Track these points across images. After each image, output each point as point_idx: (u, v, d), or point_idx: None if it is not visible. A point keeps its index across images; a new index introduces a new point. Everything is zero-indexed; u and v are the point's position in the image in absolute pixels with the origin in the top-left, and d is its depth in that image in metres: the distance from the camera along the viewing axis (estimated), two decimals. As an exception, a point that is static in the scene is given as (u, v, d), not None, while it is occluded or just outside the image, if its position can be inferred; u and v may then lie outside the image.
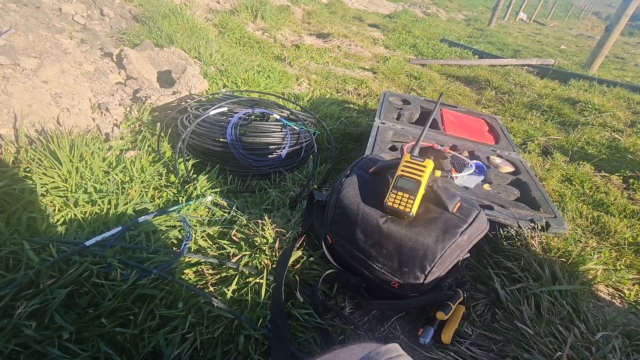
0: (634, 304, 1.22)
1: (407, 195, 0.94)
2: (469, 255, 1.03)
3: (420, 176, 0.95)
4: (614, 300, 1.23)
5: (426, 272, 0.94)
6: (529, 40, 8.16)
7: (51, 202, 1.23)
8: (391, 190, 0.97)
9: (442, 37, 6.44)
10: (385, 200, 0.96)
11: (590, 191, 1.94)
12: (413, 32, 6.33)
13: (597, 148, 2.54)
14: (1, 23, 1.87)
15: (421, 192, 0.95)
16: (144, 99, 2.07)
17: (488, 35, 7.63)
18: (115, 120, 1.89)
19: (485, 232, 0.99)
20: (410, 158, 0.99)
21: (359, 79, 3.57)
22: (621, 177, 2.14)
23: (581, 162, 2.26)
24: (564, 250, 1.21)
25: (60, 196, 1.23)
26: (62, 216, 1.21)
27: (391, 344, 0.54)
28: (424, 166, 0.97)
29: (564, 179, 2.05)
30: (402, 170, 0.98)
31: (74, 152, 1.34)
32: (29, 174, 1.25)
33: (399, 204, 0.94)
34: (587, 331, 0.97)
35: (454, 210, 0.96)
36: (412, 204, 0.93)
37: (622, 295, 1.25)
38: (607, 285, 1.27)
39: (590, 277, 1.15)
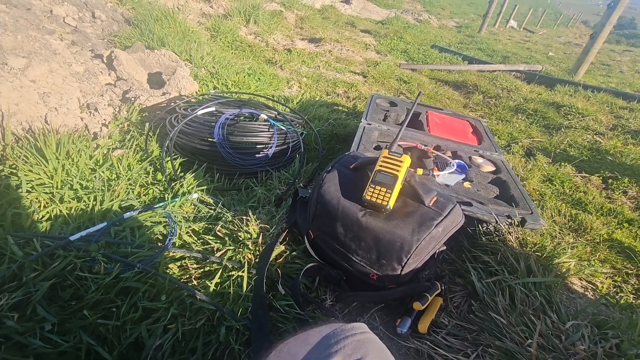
0: (605, 295, 1.26)
1: (385, 189, 0.98)
2: (445, 247, 1.07)
3: (398, 170, 0.99)
4: (586, 293, 1.27)
5: (403, 264, 0.97)
6: (518, 47, 8.33)
7: (36, 199, 1.24)
8: (369, 185, 1.00)
9: (433, 43, 6.55)
10: (364, 194, 0.99)
11: (570, 191, 1.99)
12: (404, 38, 6.43)
13: (579, 150, 2.61)
14: (-10, 23, 1.88)
15: (398, 185, 0.98)
16: (133, 99, 2.09)
17: (478, 42, 7.77)
18: (104, 120, 1.90)
19: (461, 225, 1.02)
20: (388, 153, 1.03)
21: (349, 83, 3.63)
22: (601, 178, 2.20)
23: (563, 163, 2.32)
24: (539, 245, 1.25)
25: (46, 192, 1.25)
26: (47, 212, 1.22)
27: (357, 322, 0.57)
28: (401, 161, 1.00)
29: (545, 179, 2.10)
30: (380, 165, 1.01)
31: (60, 149, 1.35)
32: (14, 171, 1.27)
33: (377, 198, 0.98)
34: (559, 321, 1.00)
35: (430, 204, 1.00)
36: (390, 198, 0.97)
37: (595, 288, 1.30)
38: (580, 279, 1.31)
39: (564, 270, 1.19)
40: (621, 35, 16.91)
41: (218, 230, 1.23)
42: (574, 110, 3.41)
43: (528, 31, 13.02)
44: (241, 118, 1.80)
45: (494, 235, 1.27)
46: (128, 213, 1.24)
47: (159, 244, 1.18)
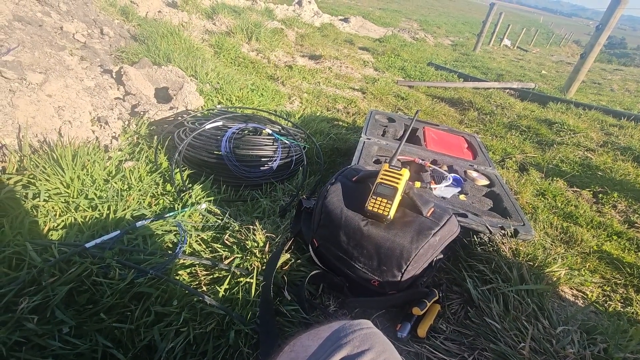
0: (594, 303, 1.32)
1: (385, 200, 1.05)
2: (442, 256, 1.13)
3: (397, 183, 1.06)
4: (577, 301, 1.33)
5: (402, 270, 1.03)
6: (511, 65, 8.56)
7: (52, 208, 1.29)
8: (371, 196, 1.07)
9: (429, 61, 6.74)
10: (366, 205, 1.06)
11: (561, 204, 2.07)
12: (402, 56, 6.62)
13: (571, 165, 2.71)
14: (8, 40, 1.97)
15: (398, 197, 1.05)
16: (142, 113, 2.17)
17: (473, 60, 7.99)
18: (114, 133, 1.97)
19: (457, 235, 1.09)
20: (389, 167, 1.10)
21: (349, 99, 3.74)
22: (591, 192, 2.29)
23: (555, 178, 2.41)
24: (532, 255, 1.31)
25: (62, 202, 1.30)
26: (63, 221, 1.27)
27: (363, 319, 0.63)
28: (401, 174, 1.07)
29: (538, 193, 2.18)
30: (381, 178, 1.08)
31: (76, 160, 1.42)
32: (32, 180, 1.33)
33: (378, 208, 1.05)
34: (550, 326, 1.06)
35: (428, 215, 1.07)
36: (390, 208, 1.04)
37: (585, 296, 1.36)
38: (571, 287, 1.37)
39: (555, 278, 1.26)
40: (612, 55, 17.42)
41: (226, 239, 1.29)
42: (565, 127, 3.53)
43: (521, 50, 13.39)
44: (246, 132, 1.88)
45: (489, 245, 1.34)
46: (140, 222, 1.30)
47: (170, 252, 1.24)
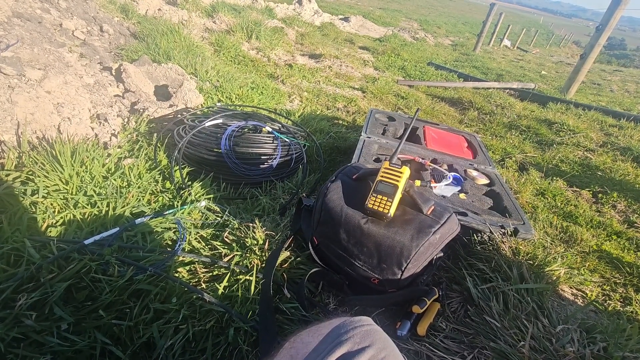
0: (594, 303, 1.32)
1: (386, 198, 1.05)
2: (442, 254, 1.13)
3: (398, 181, 1.06)
4: (576, 300, 1.33)
5: (402, 268, 1.03)
6: (511, 66, 8.57)
7: (51, 204, 1.29)
8: (371, 194, 1.07)
9: (429, 61, 6.74)
10: (366, 203, 1.06)
11: (561, 204, 2.07)
12: (402, 55, 6.61)
13: (570, 165, 2.71)
14: (7, 37, 1.96)
15: (398, 195, 1.05)
16: (141, 110, 2.16)
17: (473, 60, 7.99)
18: (113, 130, 1.96)
19: (457, 233, 1.09)
20: (389, 165, 1.10)
21: (349, 98, 3.74)
22: (591, 192, 2.29)
23: (555, 178, 2.41)
24: (532, 254, 1.31)
25: (61, 198, 1.30)
26: (62, 217, 1.27)
27: (363, 316, 0.62)
28: (401, 172, 1.07)
29: (537, 192, 2.19)
30: (382, 176, 1.08)
31: (75, 157, 1.41)
32: (31, 177, 1.32)
33: (379, 206, 1.04)
34: (550, 325, 1.06)
35: (428, 213, 1.07)
36: (390, 206, 1.03)
37: (585, 295, 1.36)
38: (570, 287, 1.37)
39: (555, 277, 1.26)
40: (612, 56, 17.44)
41: (226, 237, 1.28)
42: (565, 127, 3.53)
43: (521, 50, 13.39)
44: (246, 130, 1.87)
45: (488, 244, 1.34)
46: (139, 219, 1.29)
47: (169, 249, 1.23)
